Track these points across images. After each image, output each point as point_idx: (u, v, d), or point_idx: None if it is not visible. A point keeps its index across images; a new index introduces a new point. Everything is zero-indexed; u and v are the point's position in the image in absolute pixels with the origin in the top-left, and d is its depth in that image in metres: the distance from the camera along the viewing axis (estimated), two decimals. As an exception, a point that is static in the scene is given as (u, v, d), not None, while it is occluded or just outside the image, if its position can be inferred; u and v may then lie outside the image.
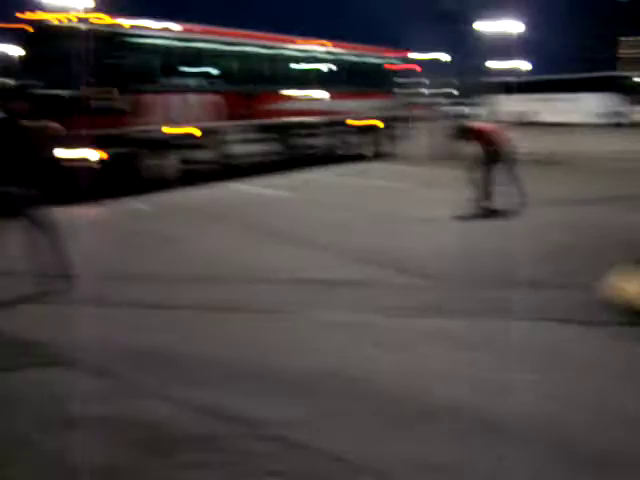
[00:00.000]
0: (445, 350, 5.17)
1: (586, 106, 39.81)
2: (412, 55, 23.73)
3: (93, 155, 13.23)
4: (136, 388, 4.57)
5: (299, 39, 19.42)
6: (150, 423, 4.05)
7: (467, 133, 11.55)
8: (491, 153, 10.96)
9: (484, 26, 46.29)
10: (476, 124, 12.49)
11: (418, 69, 23.88)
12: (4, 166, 6.91)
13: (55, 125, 7.21)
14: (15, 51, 15.09)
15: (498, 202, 10.88)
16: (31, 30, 14.31)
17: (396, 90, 22.85)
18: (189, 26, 16.07)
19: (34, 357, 5.21)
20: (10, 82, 14.18)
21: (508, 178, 11.06)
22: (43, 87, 14.43)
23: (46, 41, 14.07)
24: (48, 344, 5.45)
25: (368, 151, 21.34)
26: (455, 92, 53.11)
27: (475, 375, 4.66)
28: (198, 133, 15.55)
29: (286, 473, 3.47)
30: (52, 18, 14.25)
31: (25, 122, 6.94)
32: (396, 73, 23.19)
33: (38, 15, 14.43)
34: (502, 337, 5.43)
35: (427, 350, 5.19)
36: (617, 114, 38.90)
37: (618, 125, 37.81)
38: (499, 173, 10.93)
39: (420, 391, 4.44)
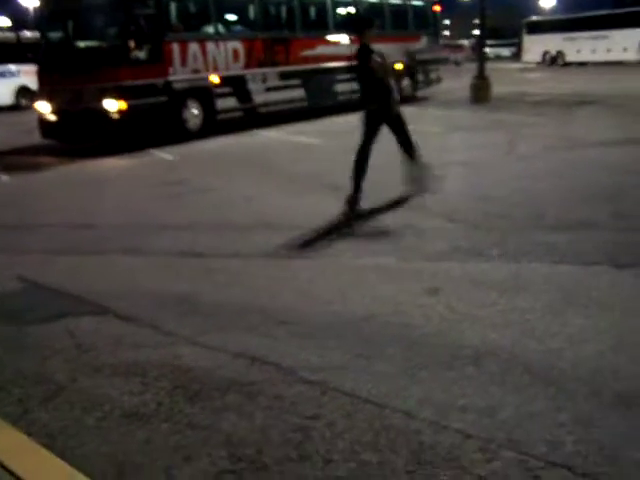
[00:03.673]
0: (484, 294, 5.02)
1: (624, 43, 38.77)
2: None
3: (125, 105, 13.23)
4: (169, 335, 4.52)
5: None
6: (183, 369, 4.00)
7: None
8: None
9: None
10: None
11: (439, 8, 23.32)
12: (367, 88, 8.13)
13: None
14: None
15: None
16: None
17: (423, 32, 22.39)
18: None
19: (67, 306, 5.22)
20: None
21: None
22: (78, 39, 14.56)
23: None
24: (80, 293, 5.45)
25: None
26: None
27: (518, 320, 4.51)
28: (224, 80, 15.48)
29: (324, 417, 3.40)
30: None
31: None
32: (423, 14, 22.69)
33: None
34: (547, 281, 5.24)
35: (462, 293, 5.05)
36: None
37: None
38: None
39: (457, 335, 4.31)
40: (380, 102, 8.07)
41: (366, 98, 8.20)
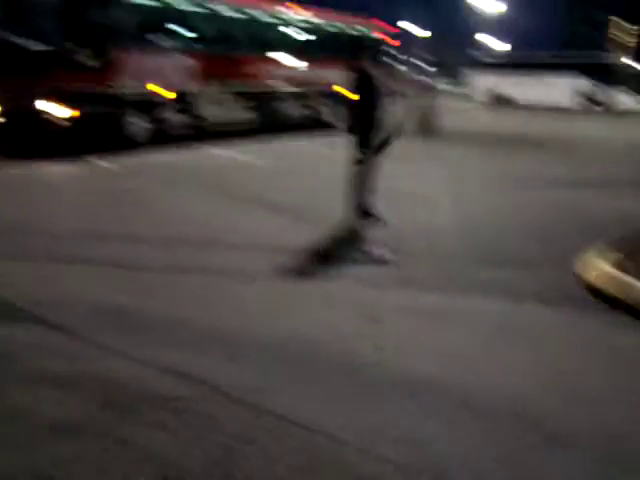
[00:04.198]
0: (419, 324, 5.09)
1: (564, 88, 40.26)
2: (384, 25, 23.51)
3: (71, 112, 12.99)
4: (101, 347, 4.43)
5: (273, 4, 19.06)
6: (113, 382, 3.92)
7: None
8: None
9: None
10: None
11: (391, 41, 23.66)
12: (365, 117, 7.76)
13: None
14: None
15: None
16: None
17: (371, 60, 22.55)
18: None
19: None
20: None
21: None
22: (21, 40, 14.21)
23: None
24: (16, 301, 5.27)
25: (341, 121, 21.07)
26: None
27: (454, 353, 4.59)
28: (174, 94, 15.39)
29: (253, 438, 3.35)
30: None
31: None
32: (372, 43, 22.87)
33: None
34: (484, 315, 5.37)
35: (402, 323, 5.11)
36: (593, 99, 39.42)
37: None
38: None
39: (394, 366, 4.34)
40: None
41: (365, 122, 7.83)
